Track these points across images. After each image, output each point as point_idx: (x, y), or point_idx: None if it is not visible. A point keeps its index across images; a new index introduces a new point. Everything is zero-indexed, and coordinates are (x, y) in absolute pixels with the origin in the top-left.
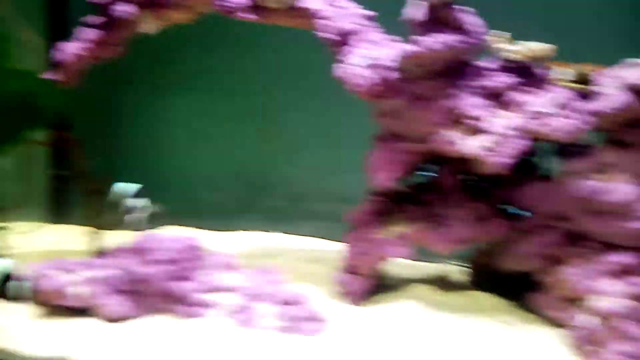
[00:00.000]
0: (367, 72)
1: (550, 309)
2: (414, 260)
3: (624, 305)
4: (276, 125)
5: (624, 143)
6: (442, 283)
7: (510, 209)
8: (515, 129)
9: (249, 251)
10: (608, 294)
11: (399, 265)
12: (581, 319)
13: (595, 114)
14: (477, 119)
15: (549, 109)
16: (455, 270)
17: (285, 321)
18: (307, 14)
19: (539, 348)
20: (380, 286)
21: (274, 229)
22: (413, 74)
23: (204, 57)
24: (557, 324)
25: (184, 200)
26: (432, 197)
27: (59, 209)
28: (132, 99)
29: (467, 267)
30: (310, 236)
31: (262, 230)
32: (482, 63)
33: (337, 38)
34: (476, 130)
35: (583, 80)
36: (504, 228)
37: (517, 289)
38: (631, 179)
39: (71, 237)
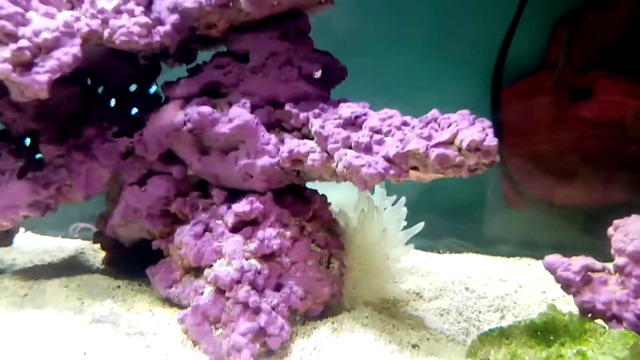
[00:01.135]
0: None
1: (167, 287)
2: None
3: (242, 268)
4: None
5: (239, 56)
6: (60, 269)
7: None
8: (60, 31)
9: None
10: (226, 255)
11: (24, 251)
12: (199, 294)
13: (177, 10)
14: (10, 18)
15: (112, 3)
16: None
17: None
18: None
19: (128, 347)
20: None
21: None
22: None
23: None
24: (176, 304)
25: None
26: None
27: None
28: None
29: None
30: None
31: None
32: None
33: None
34: (10, 37)
35: None
36: (98, 180)
37: (144, 262)
38: (249, 101)
39: None
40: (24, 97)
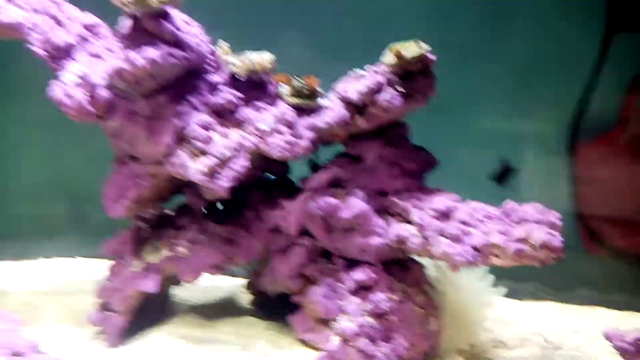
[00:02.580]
0: (75, 91)
1: (304, 332)
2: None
3: (361, 324)
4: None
5: (354, 157)
6: (221, 308)
7: None
8: (234, 148)
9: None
10: (348, 313)
11: (189, 289)
12: (329, 341)
13: (313, 128)
14: (201, 139)
15: (268, 125)
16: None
17: None
18: (12, 28)
19: None
20: (147, 319)
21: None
22: (129, 92)
23: None
24: (314, 347)
25: None
26: (186, 222)
27: None
28: None
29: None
30: None
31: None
32: (211, 77)
33: (51, 52)
34: (200, 152)
35: (308, 93)
36: (255, 250)
37: (286, 311)
38: (364, 193)
39: None
40: (211, 196)
